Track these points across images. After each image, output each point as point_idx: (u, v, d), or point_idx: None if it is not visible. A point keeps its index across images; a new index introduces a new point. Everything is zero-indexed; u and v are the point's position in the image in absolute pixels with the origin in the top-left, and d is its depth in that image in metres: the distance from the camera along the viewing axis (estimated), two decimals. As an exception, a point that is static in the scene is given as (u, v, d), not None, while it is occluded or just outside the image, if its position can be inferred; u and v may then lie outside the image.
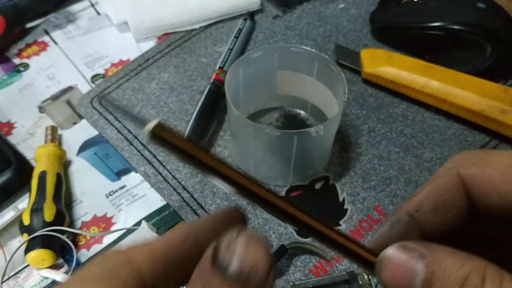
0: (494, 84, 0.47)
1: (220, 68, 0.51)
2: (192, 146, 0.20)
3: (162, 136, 0.20)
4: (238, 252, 0.18)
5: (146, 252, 0.20)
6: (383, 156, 0.47)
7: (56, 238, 0.39)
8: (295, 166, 0.43)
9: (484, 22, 0.50)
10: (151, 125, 0.20)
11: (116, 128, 0.49)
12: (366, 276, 0.39)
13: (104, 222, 0.43)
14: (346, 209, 0.44)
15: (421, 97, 0.49)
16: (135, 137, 0.48)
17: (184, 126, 0.48)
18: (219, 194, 0.45)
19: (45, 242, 0.38)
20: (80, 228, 0.43)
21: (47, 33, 0.59)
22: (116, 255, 0.20)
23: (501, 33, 0.49)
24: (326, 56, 0.43)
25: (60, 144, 0.48)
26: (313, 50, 0.43)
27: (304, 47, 0.44)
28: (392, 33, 0.56)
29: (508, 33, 0.50)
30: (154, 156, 0.47)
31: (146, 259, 0.20)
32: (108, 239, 0.42)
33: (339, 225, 0.43)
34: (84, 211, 0.44)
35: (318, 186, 0.45)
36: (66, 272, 0.40)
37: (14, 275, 0.40)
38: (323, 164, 0.46)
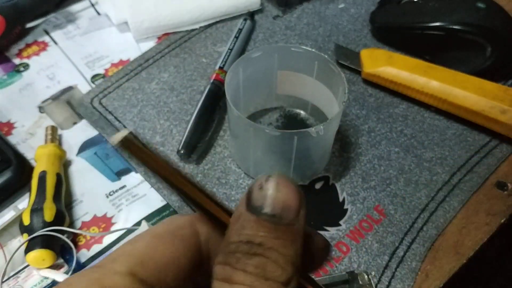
0: (494, 84, 0.47)
1: (220, 68, 0.51)
2: (154, 160, 0.21)
3: (128, 148, 0.21)
4: (270, 193, 0.20)
5: (207, 221, 0.22)
6: (383, 156, 0.47)
7: (56, 238, 0.39)
8: (295, 166, 0.43)
9: (484, 22, 0.50)
10: (118, 136, 0.21)
11: (116, 128, 0.49)
12: (366, 276, 0.39)
13: (104, 222, 0.43)
14: (346, 209, 0.44)
15: (421, 97, 0.49)
16: (135, 137, 0.48)
17: (184, 126, 0.48)
18: (219, 194, 0.45)
19: (45, 242, 0.38)
20: (80, 228, 0.43)
21: (47, 33, 0.59)
22: (180, 218, 0.22)
23: (501, 33, 0.49)
24: (326, 56, 0.43)
25: (60, 144, 0.48)
26: (313, 50, 0.43)
27: (304, 47, 0.44)
28: (392, 33, 0.56)
29: (508, 33, 0.50)
30: (154, 156, 0.47)
31: (205, 227, 0.22)
32: (108, 239, 0.42)
33: (339, 225, 0.43)
34: (84, 211, 0.44)
35: (318, 186, 0.45)
36: (66, 272, 0.40)
37: (14, 275, 0.40)
38: (323, 164, 0.46)
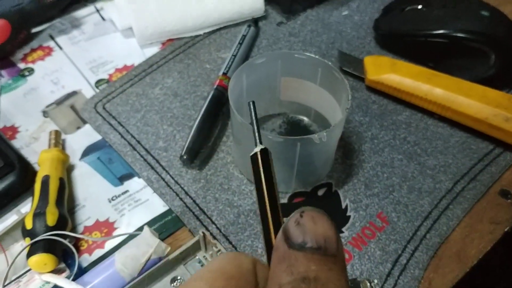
0: (498, 92, 0.47)
1: (224, 74, 0.51)
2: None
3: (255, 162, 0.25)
4: (309, 228, 0.20)
5: (264, 269, 0.22)
6: (386, 163, 0.47)
7: (59, 242, 0.39)
8: (298, 173, 0.43)
9: (488, 30, 0.50)
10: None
11: (120, 133, 0.49)
12: (368, 284, 0.39)
13: (106, 227, 0.43)
14: (349, 216, 0.44)
15: (425, 105, 0.49)
16: (138, 142, 0.48)
17: (187, 131, 0.48)
18: (221, 200, 0.45)
19: (47, 247, 0.38)
20: (82, 233, 0.43)
21: (52, 38, 0.59)
22: (246, 259, 0.22)
23: (505, 41, 0.49)
24: (329, 63, 0.43)
25: (63, 148, 0.48)
26: (317, 56, 0.43)
27: (308, 54, 0.44)
28: (396, 40, 0.56)
29: (512, 41, 0.50)
30: (157, 162, 0.47)
31: (263, 273, 0.22)
32: (110, 244, 0.42)
33: (342, 231, 0.43)
34: (86, 215, 0.44)
35: (321, 192, 0.45)
36: (68, 277, 0.40)
37: (16, 279, 0.40)
38: (326, 171, 0.46)
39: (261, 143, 0.27)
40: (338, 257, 0.20)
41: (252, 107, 0.30)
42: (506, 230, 0.43)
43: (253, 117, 0.30)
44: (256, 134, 0.28)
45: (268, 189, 0.24)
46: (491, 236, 0.42)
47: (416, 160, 0.47)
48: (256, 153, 0.26)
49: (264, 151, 0.26)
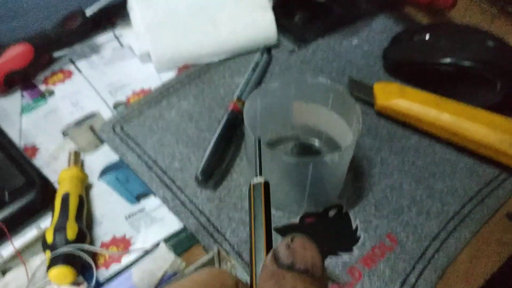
0: (504, 118, 0.49)
1: (238, 98, 0.53)
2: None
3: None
4: (298, 252, 0.22)
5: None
6: (396, 186, 0.48)
7: (77, 256, 0.41)
8: (310, 193, 0.44)
9: (493, 59, 0.51)
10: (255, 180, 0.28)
11: (137, 154, 0.51)
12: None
13: (123, 243, 0.45)
14: (359, 236, 0.45)
15: (433, 130, 0.51)
16: (155, 162, 0.50)
17: (202, 153, 0.49)
18: (234, 219, 0.46)
19: (67, 259, 0.40)
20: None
21: (72, 62, 0.62)
22: (229, 278, 0.24)
23: (511, 70, 0.51)
24: (341, 88, 0.45)
25: (82, 167, 0.50)
26: (329, 81, 0.45)
27: (320, 79, 0.46)
28: (405, 68, 0.58)
29: (517, 69, 0.52)
30: (173, 181, 0.49)
31: None
32: (126, 259, 0.43)
33: (352, 250, 0.44)
34: (103, 232, 0.45)
35: (331, 213, 0.47)
36: (85, 291, 0.41)
37: (34, 292, 0.41)
38: (336, 192, 0.48)
39: (261, 175, 0.29)
40: (322, 283, 0.22)
41: (257, 142, 0.33)
42: (513, 252, 0.44)
43: (257, 151, 0.33)
44: (258, 167, 0.31)
45: (266, 217, 0.26)
46: (498, 257, 0.43)
47: (424, 184, 0.49)
48: (259, 183, 0.28)
49: (266, 183, 0.28)
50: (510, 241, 0.44)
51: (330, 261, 0.43)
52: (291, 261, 0.21)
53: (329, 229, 0.45)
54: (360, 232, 0.45)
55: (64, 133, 0.54)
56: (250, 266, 0.24)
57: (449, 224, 0.45)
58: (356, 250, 0.44)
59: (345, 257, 0.43)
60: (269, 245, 0.25)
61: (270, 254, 0.22)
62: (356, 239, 0.44)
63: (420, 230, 0.45)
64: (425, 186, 0.48)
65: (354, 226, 0.46)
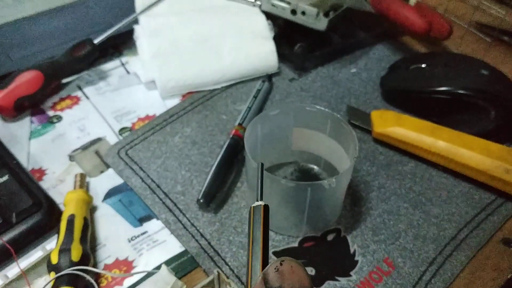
0: (499, 145, 0.50)
1: (239, 124, 0.55)
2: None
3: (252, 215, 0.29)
4: (287, 276, 0.23)
5: None
6: (393, 211, 0.49)
7: (81, 277, 0.42)
8: (308, 218, 0.45)
9: (487, 87, 0.53)
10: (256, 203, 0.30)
11: (141, 178, 0.52)
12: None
13: (125, 265, 0.46)
14: (357, 261, 0.46)
15: (429, 156, 0.52)
16: (158, 186, 0.51)
17: (204, 177, 0.51)
18: (235, 243, 0.47)
19: (71, 281, 0.41)
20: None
21: (80, 88, 0.64)
22: None
23: (504, 98, 0.53)
24: (338, 115, 0.46)
25: (87, 190, 0.51)
26: (326, 109, 0.47)
27: (318, 107, 0.47)
28: (401, 96, 0.59)
29: (511, 97, 0.53)
30: (175, 205, 0.50)
31: None
32: (128, 282, 0.44)
33: (350, 275, 0.45)
34: (107, 254, 0.47)
35: (330, 237, 0.48)
36: (88, 312, 0.41)
37: (38, 312, 0.42)
38: (335, 217, 0.49)
39: (261, 199, 0.31)
40: None
41: (260, 167, 0.35)
42: (508, 277, 0.44)
43: (259, 176, 0.34)
44: (259, 191, 0.32)
45: (264, 238, 0.28)
46: (493, 282, 0.44)
47: (421, 209, 0.50)
48: (260, 206, 0.29)
49: (266, 207, 0.29)
50: (505, 267, 0.45)
51: (328, 287, 0.44)
52: (279, 284, 0.22)
53: (328, 254, 0.46)
54: (358, 257, 0.46)
55: (71, 158, 0.55)
56: (245, 286, 0.25)
57: (445, 249, 0.46)
58: (354, 275, 0.45)
59: (343, 282, 0.44)
60: (265, 267, 0.26)
61: (260, 277, 0.23)
62: (354, 264, 0.45)
63: (416, 255, 0.46)
64: (421, 211, 0.49)
65: (352, 251, 0.46)
